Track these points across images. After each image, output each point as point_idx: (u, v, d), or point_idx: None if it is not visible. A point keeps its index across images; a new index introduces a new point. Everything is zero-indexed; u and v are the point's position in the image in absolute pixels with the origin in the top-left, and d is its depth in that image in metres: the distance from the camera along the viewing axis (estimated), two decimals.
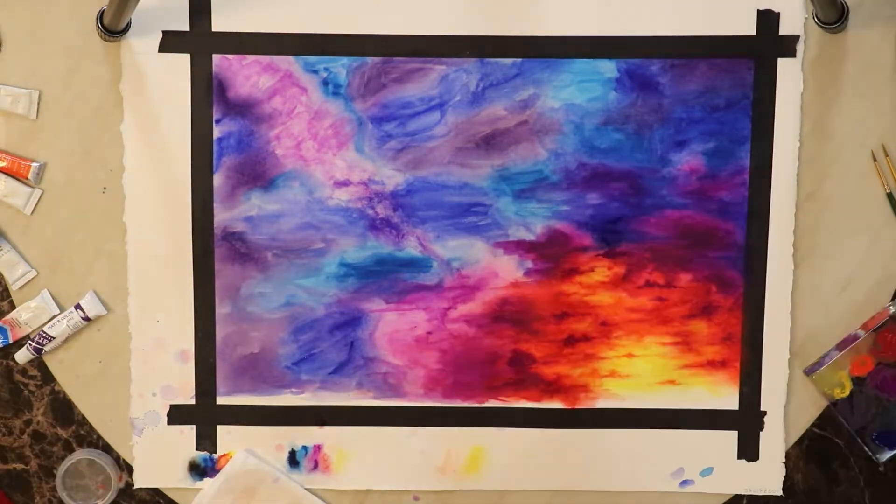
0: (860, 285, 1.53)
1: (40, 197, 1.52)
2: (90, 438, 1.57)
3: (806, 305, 1.53)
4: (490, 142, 1.50)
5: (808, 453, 1.56)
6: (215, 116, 1.50)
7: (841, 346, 1.52)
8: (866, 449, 1.53)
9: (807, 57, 1.48)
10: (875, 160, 1.50)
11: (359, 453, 1.57)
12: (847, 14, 1.46)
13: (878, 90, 1.50)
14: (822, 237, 1.52)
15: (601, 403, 1.55)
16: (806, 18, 1.47)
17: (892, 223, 1.52)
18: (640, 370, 1.54)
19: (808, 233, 1.52)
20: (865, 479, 1.57)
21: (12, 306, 1.54)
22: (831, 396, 1.52)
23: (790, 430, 1.56)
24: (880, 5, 1.48)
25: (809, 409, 1.55)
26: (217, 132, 1.50)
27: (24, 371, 1.55)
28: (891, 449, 1.52)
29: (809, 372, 1.52)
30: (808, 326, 1.54)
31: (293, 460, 1.57)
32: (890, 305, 1.50)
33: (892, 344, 1.50)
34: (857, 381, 1.52)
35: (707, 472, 1.56)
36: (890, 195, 1.51)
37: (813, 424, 1.56)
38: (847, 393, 1.52)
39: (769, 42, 1.47)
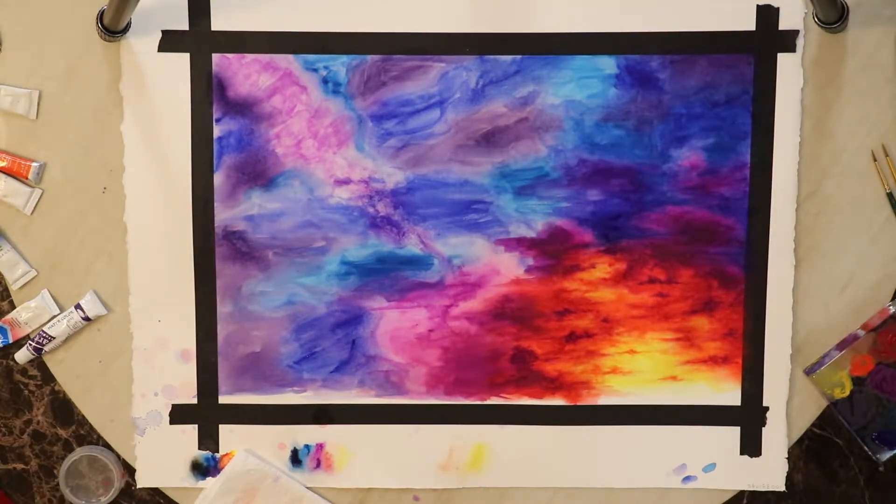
0: (860, 285, 1.53)
1: (40, 197, 1.52)
2: (90, 438, 1.56)
3: (806, 305, 1.53)
4: (490, 139, 1.50)
5: (808, 453, 1.56)
6: (215, 115, 1.50)
7: (841, 345, 1.52)
8: (866, 449, 1.53)
9: (807, 56, 1.49)
10: (875, 160, 1.51)
11: (361, 451, 1.56)
12: (847, 14, 1.46)
13: (878, 90, 1.50)
14: (822, 237, 1.52)
15: (603, 400, 1.55)
16: (805, 13, 1.47)
17: (892, 223, 1.52)
18: (641, 366, 1.54)
19: (808, 232, 1.52)
20: (865, 479, 1.57)
21: (12, 306, 1.54)
22: (831, 396, 1.52)
23: (791, 429, 1.56)
24: (880, 5, 1.49)
25: (810, 409, 1.55)
26: (217, 131, 1.50)
27: (24, 371, 1.55)
28: (891, 449, 1.52)
29: (809, 372, 1.52)
30: (808, 326, 1.54)
31: (295, 459, 1.56)
32: (890, 305, 1.50)
33: (892, 344, 1.50)
34: (857, 381, 1.51)
35: (710, 468, 1.56)
36: (890, 195, 1.51)
37: (813, 424, 1.56)
38: (847, 393, 1.51)
39: (769, 37, 1.48)
